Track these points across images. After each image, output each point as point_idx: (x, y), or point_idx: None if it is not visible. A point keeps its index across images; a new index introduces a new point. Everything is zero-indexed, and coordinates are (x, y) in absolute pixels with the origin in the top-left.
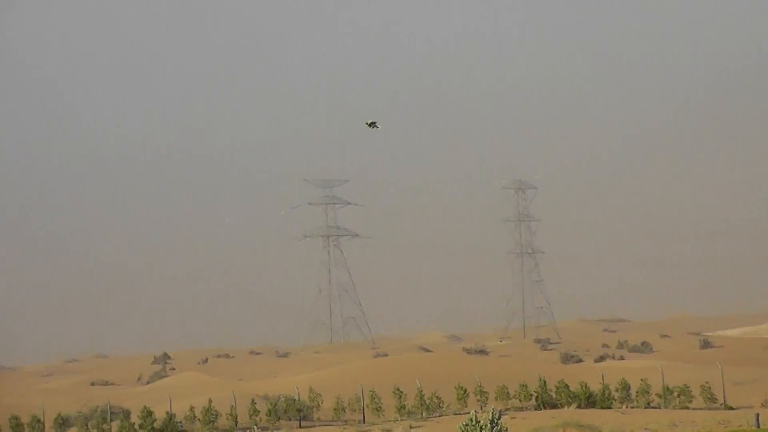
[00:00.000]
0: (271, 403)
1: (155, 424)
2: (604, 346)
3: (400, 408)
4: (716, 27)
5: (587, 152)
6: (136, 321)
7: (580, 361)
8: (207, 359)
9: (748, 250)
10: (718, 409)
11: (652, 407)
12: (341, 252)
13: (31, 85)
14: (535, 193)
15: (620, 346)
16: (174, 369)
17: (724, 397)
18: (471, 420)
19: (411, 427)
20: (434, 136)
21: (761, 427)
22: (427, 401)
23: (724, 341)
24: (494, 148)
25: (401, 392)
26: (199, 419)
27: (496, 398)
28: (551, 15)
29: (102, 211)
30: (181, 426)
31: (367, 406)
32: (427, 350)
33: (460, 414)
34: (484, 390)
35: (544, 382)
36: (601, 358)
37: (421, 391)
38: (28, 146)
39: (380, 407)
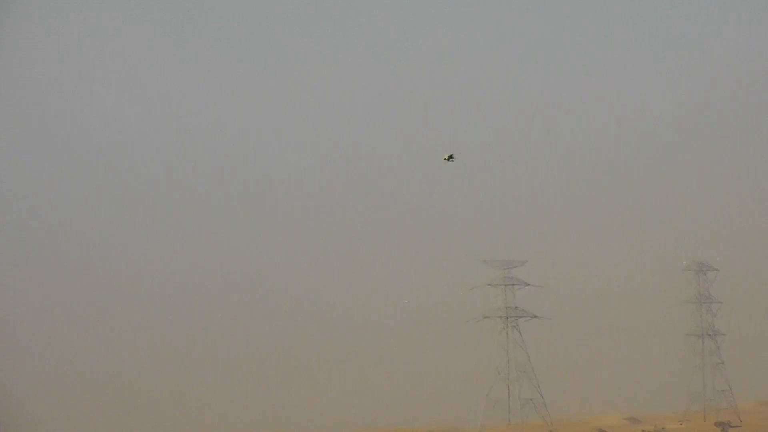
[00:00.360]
0: None
1: None
2: None
3: None
4: None
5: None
6: (312, 401)
7: None
8: None
9: None
10: None
11: None
12: (519, 333)
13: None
14: (716, 274)
15: None
16: None
17: None
18: None
19: None
20: (612, 216)
21: None
22: None
23: None
24: (675, 228)
25: None
26: None
27: None
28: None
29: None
30: None
31: None
32: None
33: None
34: None
35: None
36: None
37: None
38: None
39: None
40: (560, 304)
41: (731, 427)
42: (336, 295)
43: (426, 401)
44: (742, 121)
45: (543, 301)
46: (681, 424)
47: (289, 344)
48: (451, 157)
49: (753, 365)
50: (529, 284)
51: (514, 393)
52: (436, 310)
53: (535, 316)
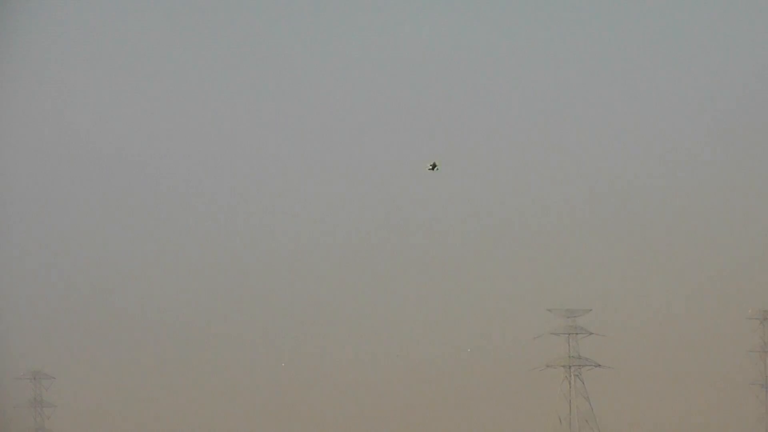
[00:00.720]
0: None
1: None
2: None
3: None
4: None
5: None
6: None
7: None
8: None
9: None
10: None
11: None
12: (582, 382)
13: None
14: None
15: None
16: None
17: None
18: None
19: None
20: (675, 264)
21: None
22: None
23: None
24: (739, 276)
25: None
26: None
27: None
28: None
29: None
30: None
31: None
32: None
33: None
34: None
35: None
36: None
37: None
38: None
39: None
40: (623, 353)
41: None
42: (398, 341)
43: None
44: None
45: (606, 350)
46: None
47: (346, 391)
48: (434, 166)
49: None
50: (592, 333)
51: None
52: (499, 358)
53: (598, 365)
